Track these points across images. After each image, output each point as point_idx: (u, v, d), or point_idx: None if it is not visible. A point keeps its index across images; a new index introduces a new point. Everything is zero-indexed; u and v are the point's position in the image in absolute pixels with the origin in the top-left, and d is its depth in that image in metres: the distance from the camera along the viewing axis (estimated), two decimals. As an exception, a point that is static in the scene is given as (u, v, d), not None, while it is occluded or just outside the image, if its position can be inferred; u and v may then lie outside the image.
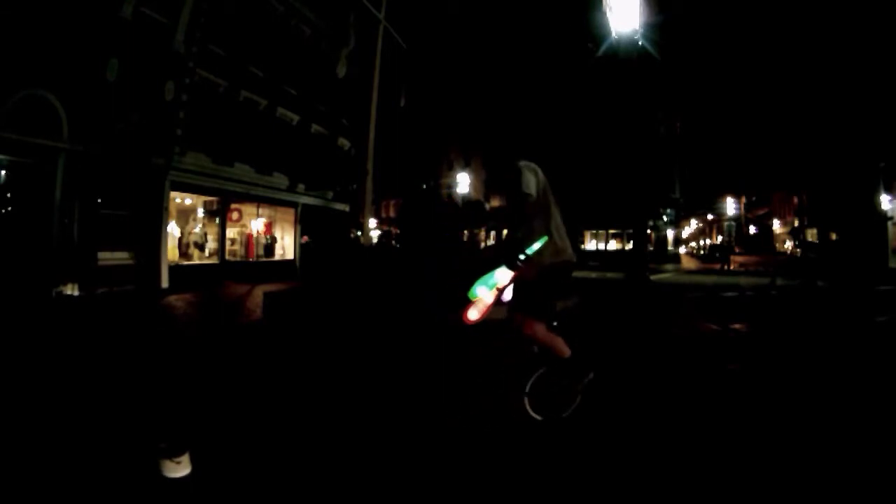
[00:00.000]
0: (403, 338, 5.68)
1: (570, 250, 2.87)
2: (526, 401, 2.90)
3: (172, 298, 10.40)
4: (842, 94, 23.51)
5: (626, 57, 8.26)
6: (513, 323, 2.86)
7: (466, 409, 3.22)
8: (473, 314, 2.64)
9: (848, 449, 2.60)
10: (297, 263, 18.22)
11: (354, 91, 18.95)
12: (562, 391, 2.87)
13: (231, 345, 5.85)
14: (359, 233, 16.32)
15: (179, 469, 1.97)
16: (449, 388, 3.73)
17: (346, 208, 20.77)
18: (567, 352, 2.81)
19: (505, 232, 2.98)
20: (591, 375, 2.89)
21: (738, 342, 5.70)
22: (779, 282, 13.25)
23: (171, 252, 13.27)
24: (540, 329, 2.78)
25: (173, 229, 13.65)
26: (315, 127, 18.70)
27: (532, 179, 2.73)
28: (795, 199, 39.99)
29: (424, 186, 35.36)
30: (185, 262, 14.02)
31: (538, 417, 2.86)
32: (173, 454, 1.97)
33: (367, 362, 4.62)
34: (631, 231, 12.06)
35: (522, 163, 2.83)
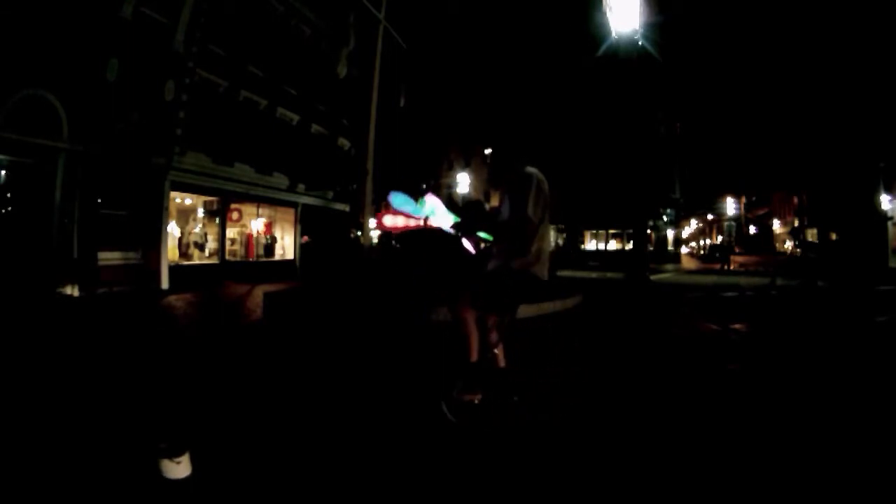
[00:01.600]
0: (402, 338, 5.68)
1: (544, 270, 2.87)
2: (444, 403, 2.88)
3: (172, 298, 10.40)
4: (842, 94, 23.51)
5: (626, 57, 8.28)
6: (454, 311, 2.86)
7: (465, 411, 3.21)
8: (388, 220, 2.72)
9: (848, 449, 2.60)
10: (297, 263, 18.22)
11: (354, 91, 18.94)
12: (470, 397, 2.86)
13: (231, 345, 5.85)
14: (359, 233, 16.31)
15: (179, 470, 1.96)
16: (448, 383, 3.73)
17: (346, 208, 20.76)
18: (475, 356, 2.79)
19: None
20: (480, 397, 2.84)
21: (738, 342, 5.70)
22: (779, 282, 13.25)
23: (171, 252, 13.27)
24: (470, 317, 2.78)
25: (173, 229, 13.65)
26: (315, 127, 18.70)
27: (540, 201, 2.71)
28: (795, 199, 40.01)
29: (424, 186, 35.36)
30: (185, 262, 14.02)
31: (454, 421, 2.82)
32: (173, 454, 1.97)
33: (367, 362, 4.62)
34: (631, 231, 12.06)
35: (531, 170, 2.79)
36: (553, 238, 29.91)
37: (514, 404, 2.95)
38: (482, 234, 3.00)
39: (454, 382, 2.94)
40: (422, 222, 2.94)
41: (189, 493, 1.94)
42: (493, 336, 2.93)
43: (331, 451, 2.58)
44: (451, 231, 2.91)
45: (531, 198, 2.69)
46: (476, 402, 2.85)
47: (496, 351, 2.93)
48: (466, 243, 2.91)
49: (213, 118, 13.87)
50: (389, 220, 2.89)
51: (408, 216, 2.89)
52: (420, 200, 2.89)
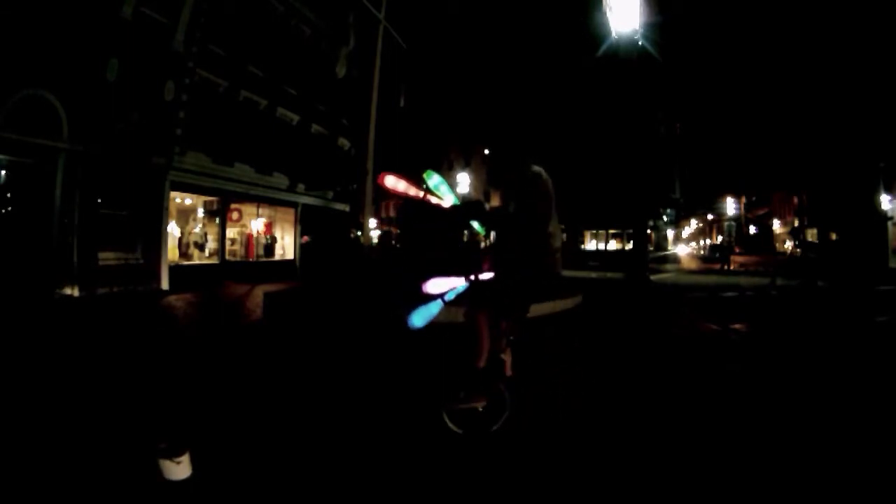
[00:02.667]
0: (402, 339, 5.68)
1: (559, 266, 2.82)
2: (445, 414, 2.79)
3: (172, 298, 10.40)
4: (841, 94, 23.51)
5: (626, 57, 8.27)
6: (469, 315, 2.77)
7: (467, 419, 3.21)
8: (390, 181, 2.66)
9: (848, 449, 2.60)
10: (297, 263, 18.22)
11: (354, 91, 18.94)
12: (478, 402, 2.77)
13: (231, 345, 5.85)
14: (359, 233, 16.32)
15: (179, 470, 1.96)
16: (449, 389, 3.72)
17: (346, 208, 20.77)
18: (483, 362, 2.71)
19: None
20: (484, 404, 2.75)
21: (738, 342, 5.70)
22: (779, 282, 13.24)
23: (171, 252, 13.27)
24: (484, 322, 2.70)
25: (173, 229, 13.65)
26: (315, 127, 18.70)
27: (547, 200, 2.66)
28: (795, 199, 39.97)
29: (424, 186, 35.32)
30: (185, 262, 14.01)
31: (458, 430, 2.73)
32: (173, 454, 1.97)
33: (367, 363, 4.62)
34: (631, 231, 12.06)
35: (537, 169, 2.72)
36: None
37: (510, 412, 2.82)
38: (476, 226, 2.95)
39: (455, 391, 2.85)
40: (421, 194, 2.87)
41: (189, 493, 1.94)
42: (503, 342, 2.83)
43: (330, 453, 2.58)
44: (449, 212, 2.84)
45: (538, 199, 2.64)
46: (480, 408, 2.77)
47: (504, 357, 2.84)
48: (458, 281, 2.80)
49: (213, 118, 13.86)
50: (391, 181, 2.80)
51: (410, 183, 2.83)
52: (427, 172, 2.83)
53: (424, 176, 2.83)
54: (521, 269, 2.72)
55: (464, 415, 2.78)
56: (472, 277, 2.73)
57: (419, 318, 2.61)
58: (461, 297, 2.76)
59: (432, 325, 2.73)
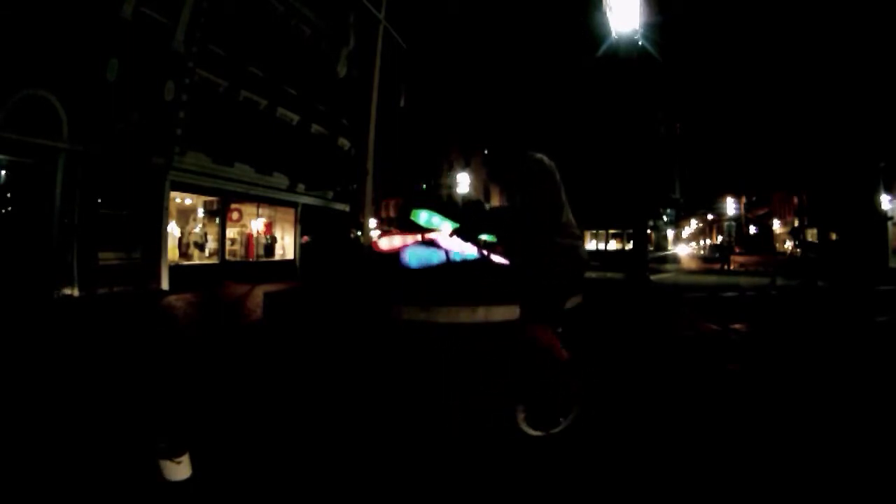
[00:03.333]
0: (403, 339, 5.67)
1: (579, 251, 2.74)
2: (519, 411, 2.73)
3: (172, 298, 10.40)
4: (841, 94, 23.50)
5: (626, 57, 8.26)
6: (521, 328, 2.74)
7: (467, 416, 3.21)
8: (384, 243, 2.64)
9: (848, 449, 2.60)
10: (297, 263, 18.23)
11: (354, 91, 18.95)
12: (560, 398, 2.72)
13: (231, 345, 5.85)
14: (359, 233, 16.32)
15: (179, 470, 1.96)
16: (449, 392, 3.72)
17: (346, 208, 20.78)
18: (565, 355, 2.66)
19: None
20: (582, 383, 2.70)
21: (738, 342, 5.70)
22: (779, 282, 13.24)
23: (171, 252, 13.27)
24: (542, 332, 2.66)
25: (173, 229, 13.65)
26: (315, 127, 18.71)
27: (560, 191, 2.57)
28: (795, 199, 39.97)
29: (424, 186, 35.37)
30: (185, 262, 14.02)
31: (535, 432, 2.69)
32: (173, 454, 1.97)
33: (367, 363, 4.61)
34: (631, 231, 12.05)
35: (548, 163, 2.62)
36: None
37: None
38: (485, 237, 2.86)
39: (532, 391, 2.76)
40: (419, 237, 2.83)
41: (189, 493, 1.94)
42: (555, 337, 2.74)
43: (330, 454, 2.58)
44: (453, 238, 2.78)
45: (549, 193, 2.57)
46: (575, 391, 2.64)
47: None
48: (468, 246, 2.75)
49: (213, 118, 13.87)
50: (386, 243, 2.79)
51: (404, 235, 2.81)
52: (414, 212, 2.78)
53: (412, 218, 2.79)
54: (556, 276, 2.63)
55: (537, 415, 2.66)
56: (485, 252, 2.64)
57: (414, 258, 2.58)
58: (478, 298, 2.70)
59: (434, 326, 2.72)
